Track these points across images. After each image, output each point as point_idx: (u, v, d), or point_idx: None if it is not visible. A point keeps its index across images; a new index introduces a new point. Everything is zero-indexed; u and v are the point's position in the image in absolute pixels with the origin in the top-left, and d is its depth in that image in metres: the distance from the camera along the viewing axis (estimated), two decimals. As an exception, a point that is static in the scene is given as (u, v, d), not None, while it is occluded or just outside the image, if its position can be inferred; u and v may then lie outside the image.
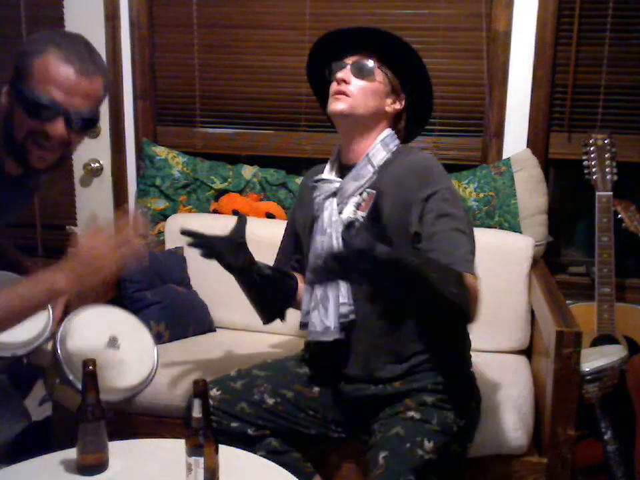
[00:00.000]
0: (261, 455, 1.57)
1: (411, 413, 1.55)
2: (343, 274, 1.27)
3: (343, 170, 1.65)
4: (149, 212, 1.52)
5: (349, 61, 1.60)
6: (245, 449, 1.54)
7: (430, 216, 1.50)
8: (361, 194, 1.59)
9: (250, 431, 1.65)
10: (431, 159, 1.62)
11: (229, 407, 1.66)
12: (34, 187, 1.62)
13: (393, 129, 1.65)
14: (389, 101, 1.62)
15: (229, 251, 1.55)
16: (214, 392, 1.67)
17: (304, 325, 1.66)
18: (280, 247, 1.85)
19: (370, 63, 1.59)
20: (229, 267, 1.58)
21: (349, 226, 1.58)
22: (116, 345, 1.55)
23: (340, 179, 1.63)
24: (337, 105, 1.58)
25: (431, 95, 1.65)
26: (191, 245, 1.53)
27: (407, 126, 1.68)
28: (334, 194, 1.62)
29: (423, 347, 1.61)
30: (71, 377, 1.46)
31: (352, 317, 1.59)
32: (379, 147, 1.61)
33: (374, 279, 1.25)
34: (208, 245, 1.54)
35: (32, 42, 1.36)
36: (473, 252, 1.50)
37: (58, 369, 1.47)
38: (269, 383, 1.70)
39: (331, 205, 1.61)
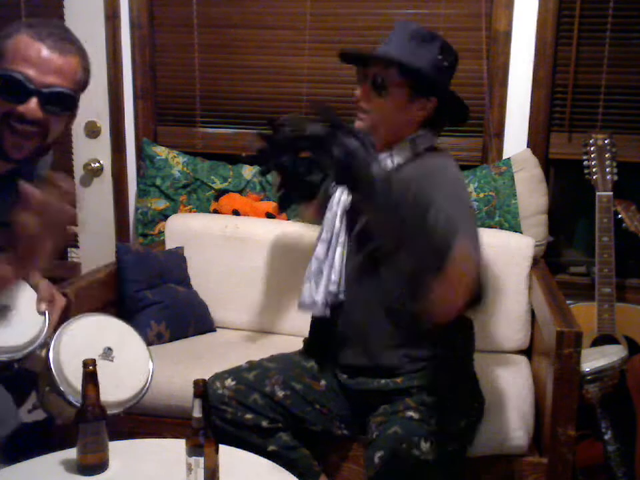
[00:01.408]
0: (272, 450, 1.60)
1: (410, 413, 1.55)
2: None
3: None
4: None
5: (370, 71, 1.58)
6: (258, 442, 1.57)
7: (438, 200, 1.43)
8: None
9: (264, 423, 1.65)
10: (446, 164, 1.60)
11: (243, 398, 1.66)
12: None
13: (428, 127, 1.63)
14: (414, 107, 1.59)
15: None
16: (229, 382, 1.68)
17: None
18: None
19: (383, 76, 1.56)
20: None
21: (351, 208, 1.62)
22: (110, 356, 1.53)
23: None
24: (358, 123, 1.60)
25: (458, 98, 1.63)
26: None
27: (444, 119, 1.66)
28: None
29: (423, 335, 1.61)
30: (61, 387, 1.44)
31: (341, 297, 1.63)
32: (406, 147, 1.60)
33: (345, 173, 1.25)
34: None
35: (6, 27, 1.32)
36: (476, 231, 1.40)
37: (49, 377, 1.46)
38: (280, 375, 1.71)
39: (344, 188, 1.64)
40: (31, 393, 1.62)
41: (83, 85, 1.39)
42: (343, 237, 1.63)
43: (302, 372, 1.73)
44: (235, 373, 1.72)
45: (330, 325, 1.67)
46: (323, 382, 1.72)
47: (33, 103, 1.30)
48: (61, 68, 1.31)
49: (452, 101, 1.62)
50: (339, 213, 1.64)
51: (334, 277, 1.63)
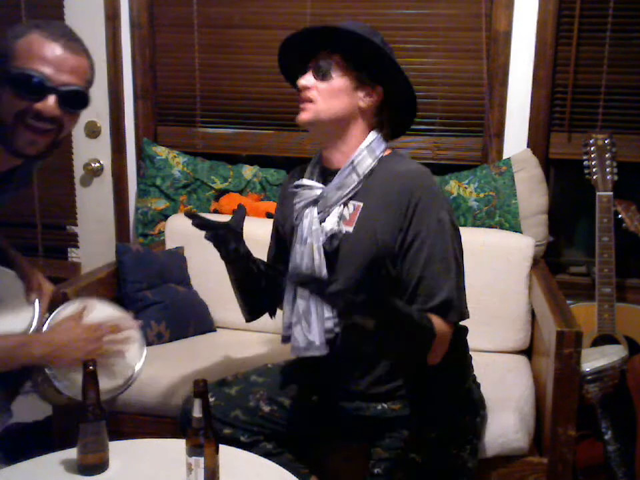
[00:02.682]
0: None
1: (412, 455, 1.50)
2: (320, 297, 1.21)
3: (325, 175, 1.56)
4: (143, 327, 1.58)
5: (314, 60, 1.50)
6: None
7: (420, 256, 1.42)
8: (345, 204, 1.50)
9: (242, 438, 1.63)
10: (422, 176, 1.48)
11: (222, 414, 1.63)
12: (21, 183, 1.60)
13: (378, 130, 1.53)
14: (360, 94, 1.49)
15: (229, 237, 1.51)
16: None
17: (286, 339, 1.58)
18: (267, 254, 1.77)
19: (327, 62, 1.48)
20: (227, 253, 1.53)
21: (331, 237, 1.50)
22: None
23: (322, 185, 1.54)
24: (301, 116, 1.50)
25: (407, 83, 1.50)
26: (195, 225, 1.47)
27: (392, 119, 1.56)
28: (314, 201, 1.53)
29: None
30: (54, 380, 1.45)
31: (337, 330, 1.51)
32: (364, 154, 1.50)
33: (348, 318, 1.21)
34: (211, 227, 1.49)
35: (13, 28, 1.35)
36: (456, 293, 1.42)
37: (41, 369, 1.47)
38: (266, 390, 1.67)
39: (311, 213, 1.52)
40: (25, 381, 1.63)
41: (91, 83, 1.42)
42: (324, 271, 1.49)
43: (292, 386, 1.67)
44: (215, 388, 1.67)
45: (328, 359, 1.54)
46: (315, 397, 1.66)
47: (51, 100, 1.32)
48: (75, 67, 1.35)
49: (399, 89, 1.51)
50: (315, 245, 1.49)
51: (327, 314, 1.49)
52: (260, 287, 1.62)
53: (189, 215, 1.48)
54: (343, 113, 1.50)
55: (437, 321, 1.39)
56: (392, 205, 1.46)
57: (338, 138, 1.52)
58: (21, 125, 1.33)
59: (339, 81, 1.48)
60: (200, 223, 1.48)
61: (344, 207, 1.50)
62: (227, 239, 1.50)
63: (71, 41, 1.35)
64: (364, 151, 1.50)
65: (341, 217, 1.50)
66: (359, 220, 1.49)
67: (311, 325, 1.50)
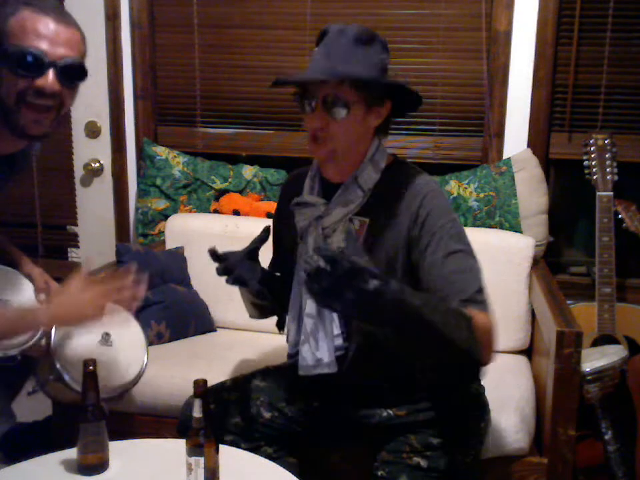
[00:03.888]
0: None
1: (417, 459, 1.48)
2: (324, 295, 1.12)
3: (326, 189, 1.51)
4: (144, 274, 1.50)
5: (319, 94, 1.39)
6: None
7: (437, 256, 1.37)
8: (351, 220, 1.46)
9: (243, 445, 1.61)
10: (429, 188, 1.44)
11: (223, 421, 1.62)
12: (20, 166, 1.59)
13: (380, 134, 1.49)
14: (371, 117, 1.43)
15: (248, 273, 1.49)
16: None
17: (293, 356, 1.56)
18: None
19: (342, 95, 1.37)
20: (247, 287, 1.52)
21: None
22: (108, 341, 1.56)
23: (323, 201, 1.48)
24: (318, 151, 1.43)
25: (417, 96, 1.46)
26: (220, 274, 1.48)
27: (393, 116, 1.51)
28: (318, 217, 1.48)
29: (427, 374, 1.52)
30: (66, 377, 1.46)
31: (345, 344, 1.49)
32: (369, 169, 1.45)
33: (362, 314, 1.15)
34: (230, 270, 1.47)
35: (2, 7, 1.33)
36: (483, 287, 1.36)
37: (52, 367, 1.47)
38: (267, 396, 1.65)
39: (316, 230, 1.48)
40: (29, 378, 1.64)
41: (84, 56, 1.41)
42: None
43: (293, 390, 1.64)
44: (215, 394, 1.64)
45: (335, 375, 1.51)
46: (316, 403, 1.63)
47: (51, 75, 1.31)
48: (69, 39, 1.34)
49: (405, 97, 1.46)
50: (322, 264, 1.44)
51: (336, 331, 1.47)
52: (268, 300, 1.61)
53: (212, 254, 1.47)
54: (356, 141, 1.45)
55: (475, 313, 1.29)
56: (401, 221, 1.42)
57: (344, 157, 1.46)
58: (23, 104, 1.33)
59: (353, 113, 1.39)
60: (221, 271, 1.48)
61: (349, 223, 1.46)
62: (244, 280, 1.49)
63: (62, 13, 1.34)
64: (368, 165, 1.46)
65: (348, 235, 1.46)
66: (366, 237, 1.45)
67: (319, 342, 1.47)
